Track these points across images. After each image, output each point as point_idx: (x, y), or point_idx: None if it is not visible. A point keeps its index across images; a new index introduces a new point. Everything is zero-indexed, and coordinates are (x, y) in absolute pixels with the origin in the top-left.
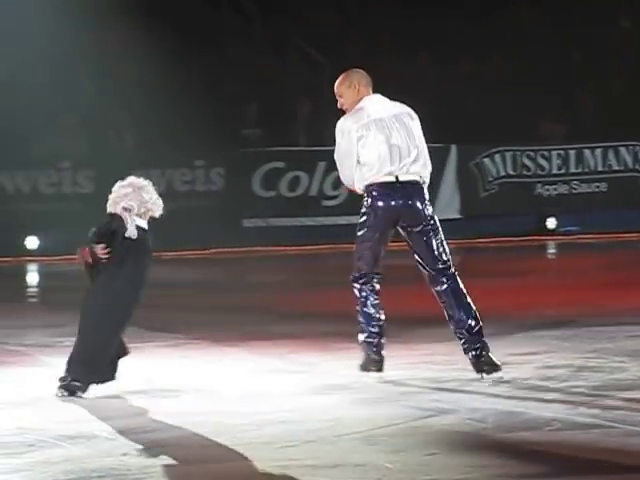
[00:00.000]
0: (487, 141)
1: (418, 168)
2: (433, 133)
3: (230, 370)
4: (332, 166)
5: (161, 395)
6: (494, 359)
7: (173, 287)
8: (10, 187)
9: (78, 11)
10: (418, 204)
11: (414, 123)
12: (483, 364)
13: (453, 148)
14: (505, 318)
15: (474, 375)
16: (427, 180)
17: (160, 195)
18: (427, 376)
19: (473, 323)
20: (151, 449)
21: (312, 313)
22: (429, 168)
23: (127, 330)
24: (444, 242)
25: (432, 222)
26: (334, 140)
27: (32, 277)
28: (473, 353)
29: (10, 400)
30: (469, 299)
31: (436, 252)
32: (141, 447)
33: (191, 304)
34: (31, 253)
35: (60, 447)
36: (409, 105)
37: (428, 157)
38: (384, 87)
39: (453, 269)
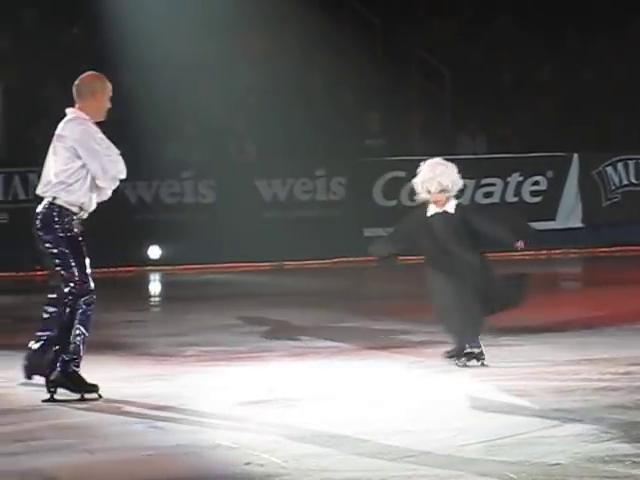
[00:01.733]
0: (609, 150)
1: (49, 189)
2: (555, 142)
3: (356, 378)
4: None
5: (285, 405)
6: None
7: (299, 295)
8: (133, 197)
9: (201, 19)
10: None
11: (61, 144)
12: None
13: (575, 157)
14: (629, 326)
15: (599, 384)
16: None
17: (281, 205)
18: (550, 385)
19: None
20: (271, 459)
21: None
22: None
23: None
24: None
25: (54, 247)
26: (453, 149)
27: (155, 286)
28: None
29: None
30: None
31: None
32: (267, 457)
33: (316, 312)
34: (154, 263)
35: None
36: (531, 115)
37: (67, 179)
38: (504, 97)
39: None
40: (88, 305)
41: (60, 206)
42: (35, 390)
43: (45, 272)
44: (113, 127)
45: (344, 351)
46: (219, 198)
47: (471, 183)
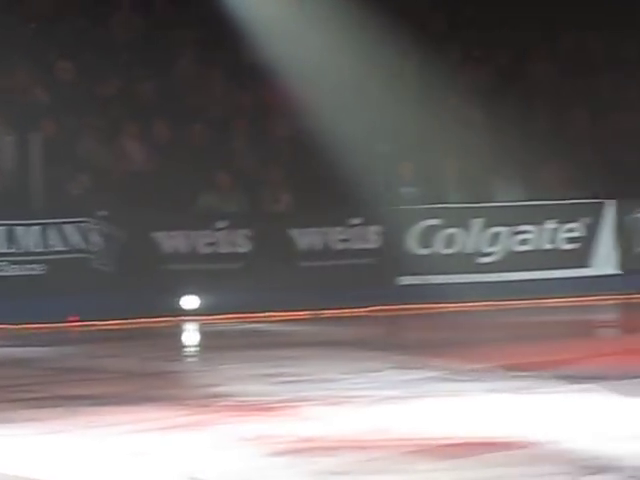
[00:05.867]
0: None
1: None
2: (590, 188)
3: (392, 426)
4: (488, 222)
5: (320, 454)
6: None
7: (335, 343)
8: (167, 246)
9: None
10: None
11: None
12: None
13: (610, 203)
14: None
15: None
16: None
17: (316, 253)
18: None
19: None
20: None
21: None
22: None
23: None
24: None
25: None
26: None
27: (191, 336)
28: None
29: None
30: None
31: None
32: None
33: (352, 361)
34: (189, 313)
35: None
36: (567, 161)
37: None
38: (539, 143)
39: None
40: None
41: None
42: None
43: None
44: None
45: (380, 399)
46: (254, 248)
47: (506, 230)
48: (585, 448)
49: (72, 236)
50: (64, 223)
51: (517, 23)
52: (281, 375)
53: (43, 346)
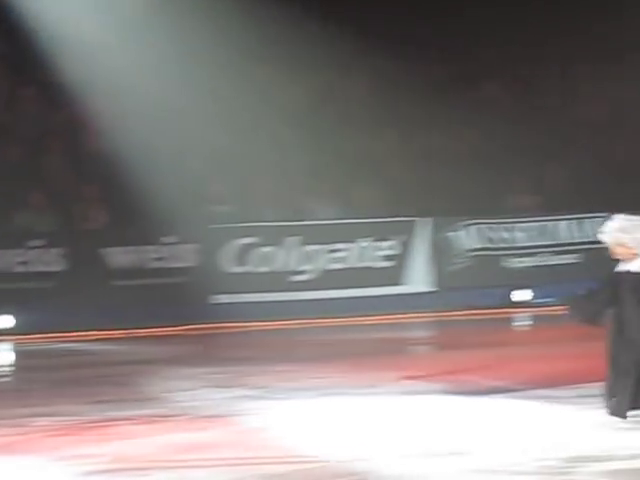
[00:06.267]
0: (459, 214)
1: None
2: (404, 207)
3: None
4: (303, 240)
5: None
6: None
7: (148, 362)
8: None
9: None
10: None
11: None
12: None
13: (424, 221)
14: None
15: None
16: None
17: (130, 271)
18: None
19: None
20: None
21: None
22: None
23: None
24: None
25: None
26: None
27: (5, 356)
28: None
29: None
30: None
31: None
32: None
33: (164, 379)
34: (3, 332)
35: None
36: (380, 180)
37: None
38: (354, 163)
39: None
40: None
41: None
42: None
43: None
44: None
45: (195, 418)
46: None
47: (321, 248)
48: (373, 466)
49: None
50: None
51: (332, 41)
52: (96, 394)
53: None
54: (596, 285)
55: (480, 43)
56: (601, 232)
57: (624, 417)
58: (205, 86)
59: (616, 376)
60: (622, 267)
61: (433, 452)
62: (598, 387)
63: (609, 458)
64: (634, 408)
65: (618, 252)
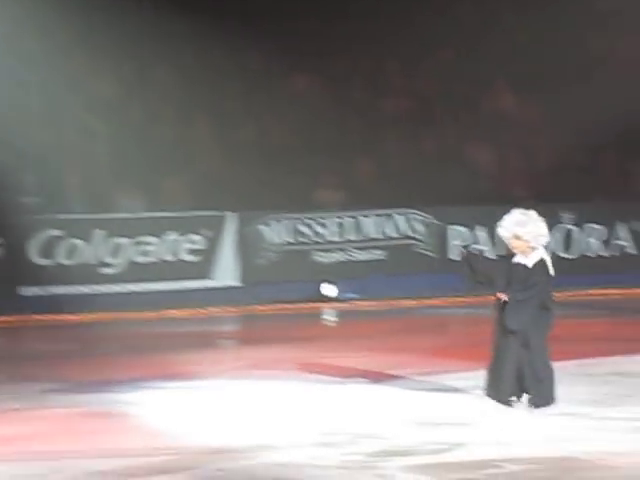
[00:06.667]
0: (265, 208)
1: None
2: (212, 200)
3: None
4: (110, 233)
5: None
6: None
7: None
8: None
9: None
10: None
11: None
12: None
13: (232, 215)
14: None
15: None
16: None
17: None
18: None
19: None
20: None
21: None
22: None
23: None
24: None
25: None
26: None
27: None
28: None
29: None
30: None
31: None
32: None
33: None
34: None
35: None
36: (189, 174)
37: None
38: (161, 155)
39: None
40: None
41: None
42: None
43: None
44: None
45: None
46: None
47: (128, 242)
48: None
49: None
50: None
51: (142, 32)
52: None
53: None
54: (497, 261)
55: (291, 37)
56: (499, 226)
57: (507, 404)
58: (14, 77)
59: (498, 364)
60: (518, 259)
61: (238, 447)
62: (407, 381)
63: (413, 453)
64: (513, 395)
65: (515, 245)
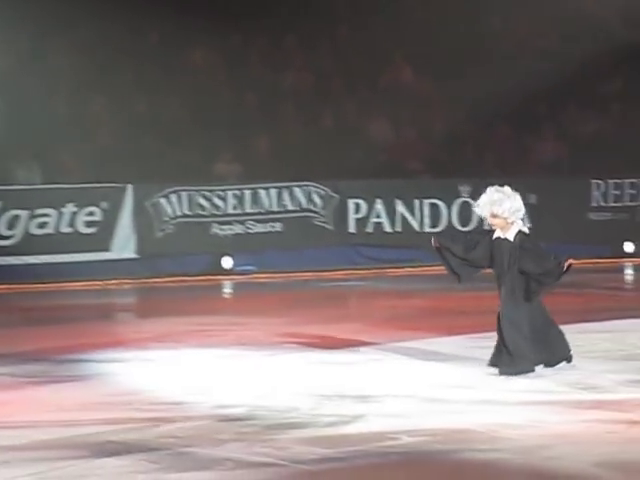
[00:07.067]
0: (163, 181)
1: None
2: (109, 173)
3: None
4: (6, 205)
5: None
6: None
7: None
8: None
9: None
10: None
11: None
12: None
13: (129, 188)
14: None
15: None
16: None
17: None
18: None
19: None
20: None
21: None
22: None
23: None
24: None
25: None
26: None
27: None
28: None
29: None
30: None
31: None
32: None
33: None
34: None
35: None
36: (87, 146)
37: None
38: (59, 127)
39: None
40: None
41: None
42: None
43: None
44: None
45: None
46: None
47: (25, 214)
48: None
49: None
50: None
51: (36, 7)
52: None
53: None
54: (474, 241)
55: (188, 12)
56: (476, 206)
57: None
58: None
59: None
60: (498, 234)
61: (134, 418)
62: (305, 353)
63: (310, 425)
64: (493, 365)
65: (494, 223)
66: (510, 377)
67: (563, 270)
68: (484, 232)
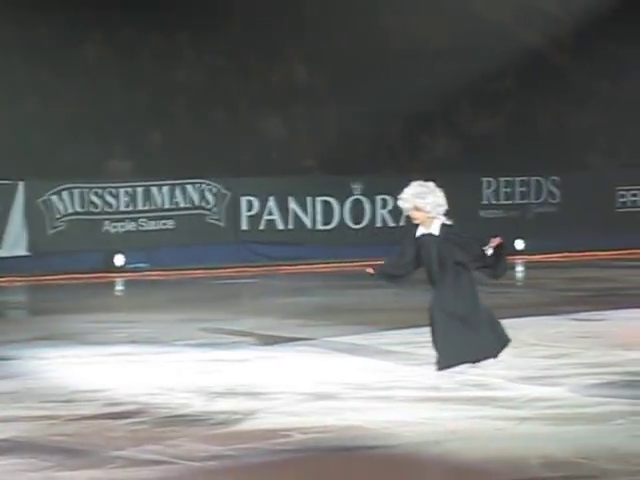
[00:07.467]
0: (54, 178)
1: None
2: (2, 170)
3: None
4: None
5: None
6: None
7: None
8: None
9: None
10: None
11: None
12: None
13: (20, 185)
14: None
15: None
16: None
17: None
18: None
19: None
20: None
21: None
22: None
23: None
24: None
25: None
26: None
27: None
28: None
29: None
30: None
31: None
32: None
33: None
34: None
35: None
36: None
37: None
38: None
39: None
40: None
41: None
42: None
43: None
44: None
45: None
46: None
47: None
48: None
49: None
50: None
51: None
52: None
53: None
54: (400, 249)
55: (81, 7)
56: (399, 199)
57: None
58: None
59: (434, 330)
60: (422, 231)
61: (25, 417)
62: (199, 350)
63: (203, 423)
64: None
65: (416, 217)
66: (440, 372)
67: (495, 251)
68: (406, 238)
